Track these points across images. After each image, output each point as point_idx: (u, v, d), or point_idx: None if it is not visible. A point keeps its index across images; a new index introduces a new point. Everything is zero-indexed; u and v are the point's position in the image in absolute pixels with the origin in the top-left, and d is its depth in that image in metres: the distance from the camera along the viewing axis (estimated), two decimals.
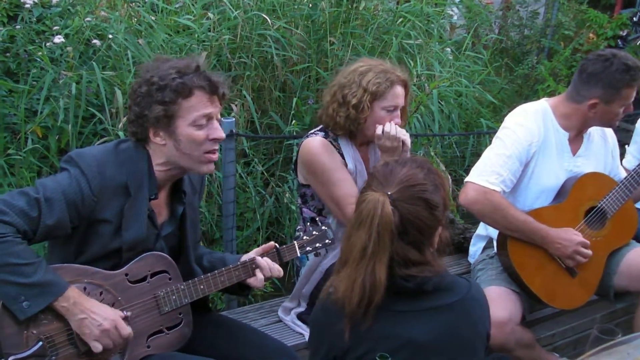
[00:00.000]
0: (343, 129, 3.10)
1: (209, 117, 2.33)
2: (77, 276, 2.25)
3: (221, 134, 2.37)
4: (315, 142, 3.11)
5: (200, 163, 2.37)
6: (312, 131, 3.22)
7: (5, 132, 4.01)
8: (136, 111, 2.31)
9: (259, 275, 2.53)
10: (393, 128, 3.02)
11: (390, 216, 1.90)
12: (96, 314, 2.19)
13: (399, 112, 3.10)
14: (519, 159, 3.15)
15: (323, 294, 2.07)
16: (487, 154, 3.20)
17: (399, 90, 3.08)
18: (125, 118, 4.18)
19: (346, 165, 3.13)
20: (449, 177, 4.88)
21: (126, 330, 2.26)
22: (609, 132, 3.49)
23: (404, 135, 3.05)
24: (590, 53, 3.26)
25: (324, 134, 3.15)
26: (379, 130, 3.03)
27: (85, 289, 2.25)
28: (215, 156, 2.40)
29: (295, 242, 2.68)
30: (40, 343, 2.17)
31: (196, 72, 2.30)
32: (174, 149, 2.33)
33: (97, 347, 2.21)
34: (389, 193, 1.94)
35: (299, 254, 2.68)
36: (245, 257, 2.58)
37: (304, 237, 2.70)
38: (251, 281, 2.54)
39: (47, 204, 2.14)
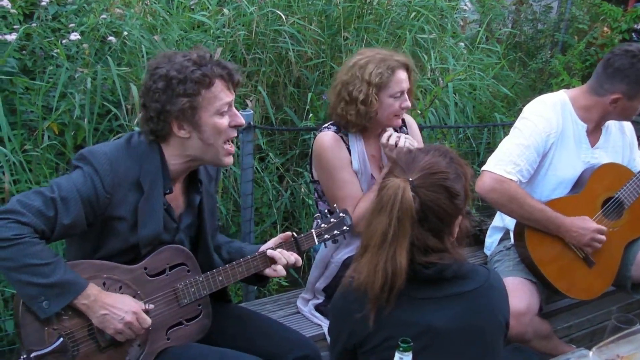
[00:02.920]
0: (356, 125, 3.09)
1: (229, 105, 2.35)
2: (96, 272, 2.26)
3: (242, 120, 2.39)
4: (326, 137, 3.12)
5: (221, 155, 2.38)
6: (325, 125, 3.22)
7: (23, 128, 4.03)
8: (156, 107, 2.28)
9: (277, 266, 2.54)
10: (400, 140, 3.00)
11: (410, 201, 1.91)
12: (117, 309, 2.21)
13: (406, 96, 3.08)
14: (536, 150, 3.15)
15: (344, 282, 2.08)
16: (505, 144, 3.19)
17: (402, 74, 3.05)
18: (141, 114, 4.20)
19: (352, 164, 3.13)
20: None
21: (147, 321, 2.28)
22: (627, 124, 3.48)
23: (410, 145, 3.01)
24: (616, 47, 3.24)
25: (336, 128, 3.15)
26: (383, 139, 3.02)
27: (104, 284, 2.27)
28: (233, 148, 2.42)
29: (313, 230, 2.67)
30: (61, 339, 2.19)
31: (212, 62, 2.32)
32: (198, 140, 2.33)
33: (121, 339, 2.25)
34: (410, 179, 1.95)
35: (317, 242, 2.66)
36: (263, 248, 2.59)
37: (322, 225, 2.67)
38: (269, 272, 2.55)
39: (62, 203, 2.15)
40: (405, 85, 3.07)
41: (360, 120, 3.05)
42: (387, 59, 3.03)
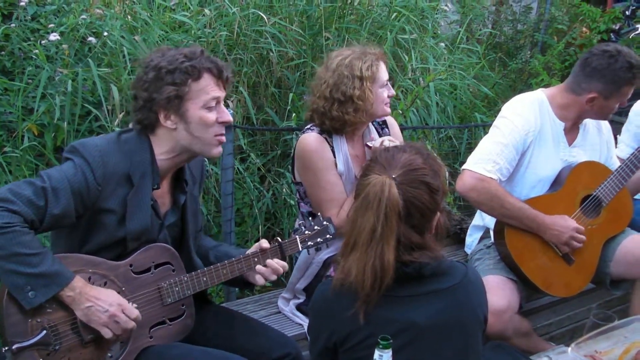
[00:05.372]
0: (354, 124, 3.09)
1: (217, 101, 2.38)
2: (82, 266, 2.26)
3: (230, 117, 2.42)
4: (310, 139, 3.11)
5: (211, 145, 2.41)
6: (308, 126, 3.21)
7: (2, 130, 4.01)
8: (144, 96, 2.33)
9: (260, 280, 2.55)
10: (385, 142, 3.02)
11: (396, 197, 1.93)
12: (102, 301, 2.21)
13: (390, 84, 3.15)
14: (515, 148, 3.17)
15: (334, 283, 2.06)
16: (484, 143, 3.22)
17: (382, 64, 3.12)
18: (121, 114, 4.19)
19: (336, 166, 3.12)
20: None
21: (134, 312, 2.27)
22: (604, 123, 3.52)
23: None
24: (594, 47, 3.28)
25: (319, 129, 3.15)
26: (376, 143, 3.04)
27: (89, 278, 2.27)
28: (224, 138, 2.44)
29: (297, 236, 2.68)
30: (45, 331, 2.18)
31: (202, 56, 2.36)
32: (185, 132, 2.36)
33: (107, 333, 2.23)
34: (394, 176, 1.97)
35: (300, 249, 2.68)
36: (248, 252, 2.59)
37: (306, 232, 2.69)
38: (254, 279, 2.56)
39: (53, 193, 2.16)
40: (387, 74, 3.13)
41: (359, 117, 3.06)
42: (367, 52, 3.07)
